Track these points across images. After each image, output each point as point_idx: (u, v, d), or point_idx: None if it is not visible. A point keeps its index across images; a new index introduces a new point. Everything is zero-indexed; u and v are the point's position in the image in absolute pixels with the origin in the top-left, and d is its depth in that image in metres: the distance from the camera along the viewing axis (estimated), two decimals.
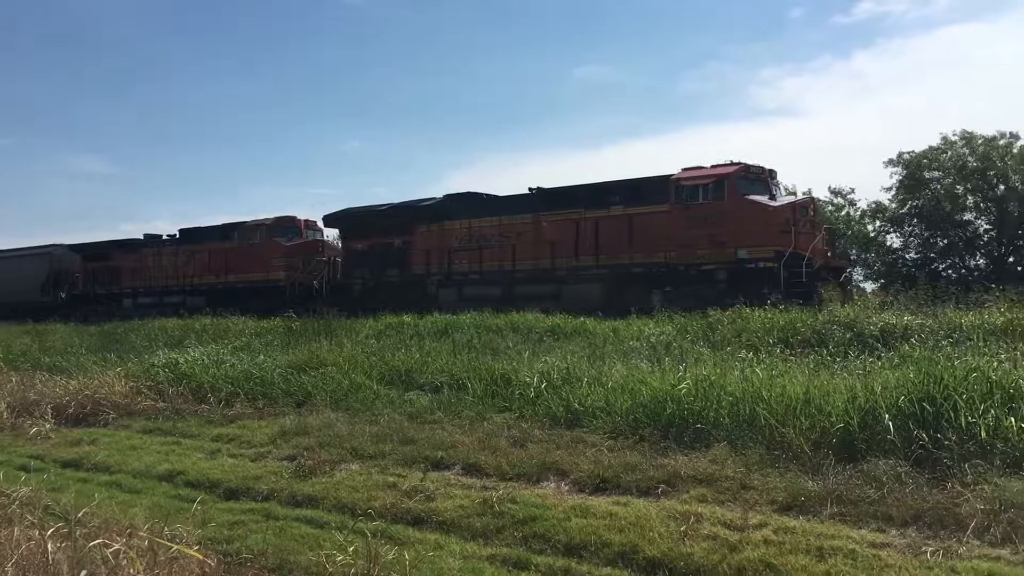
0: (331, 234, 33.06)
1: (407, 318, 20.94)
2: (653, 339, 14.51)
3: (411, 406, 10.99)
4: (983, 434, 6.70)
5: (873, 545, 5.66)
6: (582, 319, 17.99)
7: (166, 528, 5.94)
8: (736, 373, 9.47)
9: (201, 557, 5.18)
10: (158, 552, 5.34)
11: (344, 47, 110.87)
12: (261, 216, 33.85)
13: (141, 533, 5.76)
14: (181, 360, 14.92)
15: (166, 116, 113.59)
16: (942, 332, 12.66)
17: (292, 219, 33.39)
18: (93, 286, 39.96)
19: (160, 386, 13.45)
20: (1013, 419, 6.80)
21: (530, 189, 26.09)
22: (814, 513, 6.33)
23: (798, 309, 15.95)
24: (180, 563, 5.33)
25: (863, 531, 5.94)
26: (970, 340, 11.42)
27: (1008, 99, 71.76)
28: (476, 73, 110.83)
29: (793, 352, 11.90)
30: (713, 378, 9.17)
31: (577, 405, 9.63)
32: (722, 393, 8.73)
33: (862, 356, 11.17)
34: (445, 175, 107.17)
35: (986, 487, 6.06)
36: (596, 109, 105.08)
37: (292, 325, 20.45)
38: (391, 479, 8.06)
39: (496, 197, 27.88)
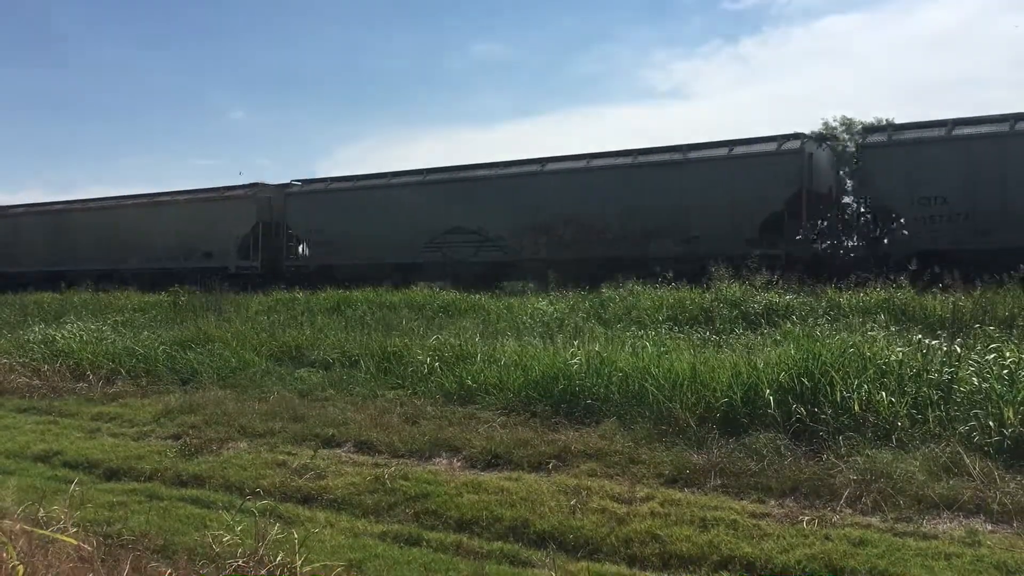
0: None
1: (299, 294, 20.62)
2: (546, 316, 14.68)
3: (302, 383, 10.82)
4: (856, 408, 7.02)
5: (753, 515, 5.86)
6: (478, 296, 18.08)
7: (41, 510, 5.70)
8: (627, 349, 9.62)
9: (76, 543, 4.97)
10: (32, 535, 5.11)
11: (230, 14, 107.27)
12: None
13: (16, 516, 5.50)
14: (58, 336, 14.33)
15: (35, 81, 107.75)
16: (822, 310, 13.21)
17: None
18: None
19: (35, 363, 12.89)
20: (884, 393, 7.13)
21: None
22: (699, 486, 6.51)
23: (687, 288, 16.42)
24: (56, 547, 5.11)
25: (744, 502, 6.15)
26: (847, 318, 11.95)
27: (885, 86, 75.04)
28: (368, 46, 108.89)
29: (681, 329, 12.19)
30: (604, 354, 9.31)
31: (470, 382, 9.64)
32: (612, 369, 8.88)
33: (746, 333, 11.55)
34: (333, 148, 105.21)
35: (858, 458, 6.35)
36: (490, 86, 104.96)
37: (178, 300, 19.91)
38: (281, 457, 7.92)
39: None
